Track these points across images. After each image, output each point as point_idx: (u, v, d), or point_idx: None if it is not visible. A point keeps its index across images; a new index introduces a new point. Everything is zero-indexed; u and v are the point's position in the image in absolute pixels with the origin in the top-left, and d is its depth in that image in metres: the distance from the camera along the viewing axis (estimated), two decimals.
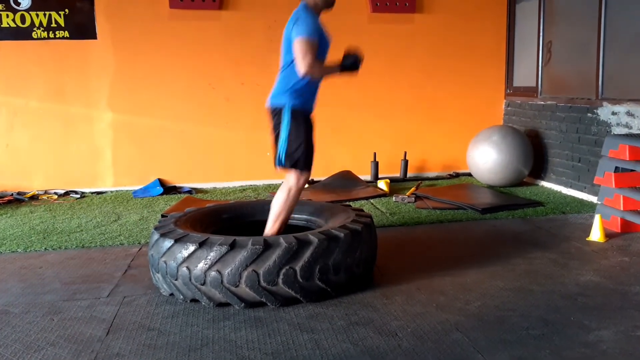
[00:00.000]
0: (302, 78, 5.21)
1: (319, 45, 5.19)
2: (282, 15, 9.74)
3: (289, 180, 5.39)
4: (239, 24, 9.76)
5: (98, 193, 9.52)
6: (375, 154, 10.00)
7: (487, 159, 9.10)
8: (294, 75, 5.25)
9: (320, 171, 9.95)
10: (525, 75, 10.09)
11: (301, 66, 5.09)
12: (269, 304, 4.66)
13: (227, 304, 4.71)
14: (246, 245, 4.57)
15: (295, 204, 5.47)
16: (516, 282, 5.18)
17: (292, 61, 5.25)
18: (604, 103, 7.97)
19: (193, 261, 4.60)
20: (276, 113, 5.36)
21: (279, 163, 5.37)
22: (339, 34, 9.99)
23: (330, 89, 10.07)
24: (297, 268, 4.58)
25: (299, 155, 5.30)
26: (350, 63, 5.37)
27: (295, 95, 5.29)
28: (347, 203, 7.54)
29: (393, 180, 9.83)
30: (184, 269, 4.63)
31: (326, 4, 5.47)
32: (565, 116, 8.81)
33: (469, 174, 10.17)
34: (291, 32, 5.22)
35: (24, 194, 9.28)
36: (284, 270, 4.55)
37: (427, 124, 10.46)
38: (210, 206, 6.05)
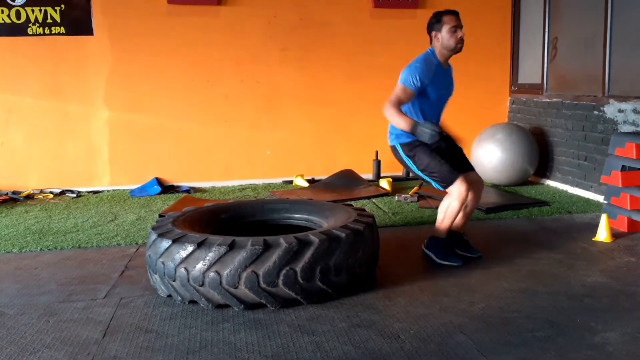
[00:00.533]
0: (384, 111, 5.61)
1: (414, 94, 5.66)
2: (282, 11, 9.85)
3: (450, 195, 5.71)
4: (238, 20, 9.76)
5: (94, 192, 9.52)
6: (377, 152, 10.00)
7: (491, 157, 9.09)
8: (411, 114, 5.77)
9: (321, 170, 9.96)
10: (530, 72, 10.09)
11: (385, 108, 5.55)
12: (268, 305, 4.65)
13: (226, 306, 4.70)
14: (245, 246, 4.56)
15: (458, 212, 5.73)
16: (521, 283, 5.18)
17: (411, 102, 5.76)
18: (611, 100, 7.97)
19: (191, 262, 4.60)
20: (395, 152, 5.97)
21: (439, 187, 5.76)
22: (340, 29, 10.03)
23: (331, 87, 10.10)
24: (298, 269, 4.57)
25: (440, 174, 5.63)
26: (428, 139, 5.33)
27: (400, 133, 5.77)
28: (349, 202, 7.53)
29: (395, 179, 9.83)
30: (182, 269, 4.62)
31: (453, 51, 6.11)
32: (571, 114, 8.81)
33: None
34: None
35: (19, 193, 9.28)
36: (284, 271, 4.54)
37: None
38: (209, 206, 6.04)
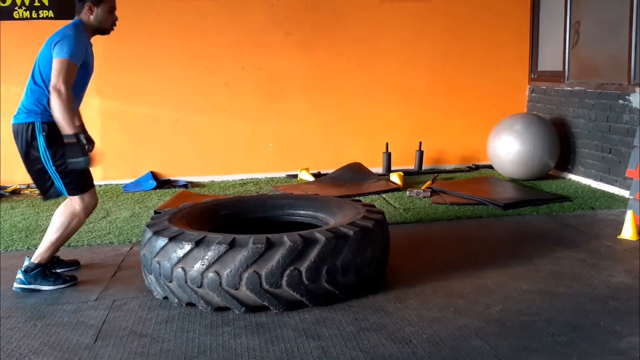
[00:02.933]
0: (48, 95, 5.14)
1: (77, 71, 5.17)
2: None
3: (74, 205, 5.36)
4: (240, 3, 9.76)
5: None
6: (387, 144, 10.00)
7: (509, 149, 9.09)
8: (45, 91, 5.26)
9: (328, 163, 9.96)
10: (551, 59, 10.07)
11: (53, 85, 5.04)
12: (271, 308, 4.65)
13: (226, 308, 4.71)
14: (247, 244, 4.56)
15: (77, 230, 5.48)
16: (541, 284, 5.17)
17: (46, 80, 5.27)
18: (637, 89, 7.95)
19: (189, 261, 4.60)
20: (24, 130, 5.27)
21: (61, 192, 5.34)
22: (347, 13, 10.02)
23: (337, 74, 10.09)
24: (303, 269, 4.57)
25: (74, 179, 5.27)
26: (73, 152, 5.12)
27: (47, 112, 5.23)
28: (357, 198, 7.54)
29: (407, 173, 9.83)
30: (179, 270, 4.63)
31: (98, 30, 5.56)
32: (595, 103, 8.79)
33: (490, 167, 10.15)
34: (54, 48, 5.18)
35: (5, 188, 9.30)
36: (288, 272, 4.54)
37: (444, 112, 10.45)
38: (208, 201, 6.04)
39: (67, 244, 6.55)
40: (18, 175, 9.45)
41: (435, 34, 10.30)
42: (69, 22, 5.44)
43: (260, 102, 9.97)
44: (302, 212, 5.91)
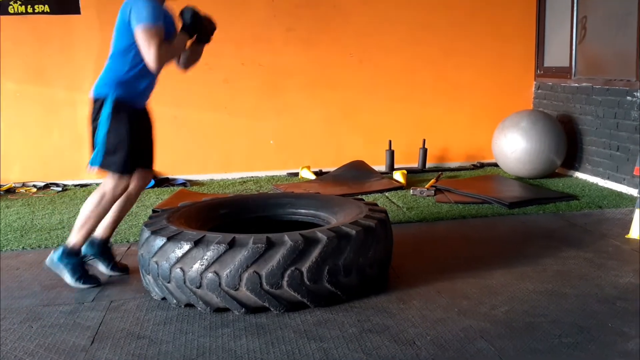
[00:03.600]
0: (153, 71, 5.20)
1: (164, 31, 5.14)
2: None
3: (105, 184, 5.28)
4: None
5: (82, 186, 9.55)
6: (390, 142, 10.00)
7: (515, 147, 9.08)
8: (122, 64, 5.23)
9: (329, 161, 9.96)
10: (557, 54, 10.06)
11: (149, 60, 5.04)
12: (272, 309, 4.65)
13: (225, 309, 4.71)
14: (247, 244, 4.56)
15: (107, 213, 5.37)
16: (547, 284, 5.17)
17: (123, 49, 5.22)
18: None
19: (188, 262, 4.60)
20: (97, 104, 5.25)
21: (92, 162, 5.25)
22: (350, 7, 10.01)
23: (340, 70, 10.09)
24: (304, 269, 4.57)
25: (118, 156, 5.21)
26: (189, 18, 5.34)
27: (121, 87, 5.21)
28: (360, 197, 7.54)
29: (410, 171, 9.83)
30: (178, 270, 4.62)
31: None
32: (602, 100, 8.78)
33: (495, 165, 10.14)
34: (129, 18, 5.14)
35: (0, 186, 9.30)
36: (289, 272, 4.54)
37: (448, 109, 10.44)
38: (207, 200, 6.05)
39: (63, 243, 6.56)
40: (13, 174, 9.48)
41: (439, 28, 10.29)
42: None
43: (260, 99, 9.97)
44: (303, 211, 5.91)
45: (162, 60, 5.09)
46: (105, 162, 5.19)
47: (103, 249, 5.60)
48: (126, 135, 5.18)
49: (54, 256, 5.30)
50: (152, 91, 5.57)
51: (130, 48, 5.18)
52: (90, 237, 5.42)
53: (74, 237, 5.28)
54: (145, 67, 5.18)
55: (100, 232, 5.51)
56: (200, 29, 5.47)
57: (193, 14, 5.34)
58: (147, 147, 5.61)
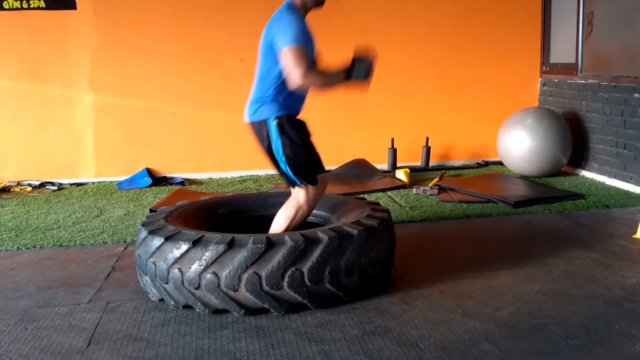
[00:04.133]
0: (297, 90, 5.18)
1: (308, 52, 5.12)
2: None
3: (300, 197, 5.31)
4: None
5: (78, 184, 9.54)
6: (393, 140, 9.99)
7: (520, 145, 9.08)
8: (273, 83, 5.25)
9: (331, 160, 9.90)
10: (563, 50, 10.05)
11: (295, 79, 4.98)
12: (272, 310, 4.65)
13: (224, 311, 4.70)
14: (246, 244, 4.55)
15: (301, 222, 5.38)
16: (553, 285, 5.17)
17: (270, 70, 5.29)
18: None
19: (186, 262, 4.59)
20: (258, 129, 5.34)
21: (292, 185, 5.34)
22: (352, 5, 10.00)
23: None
24: (305, 270, 4.56)
25: (303, 169, 5.27)
26: (363, 73, 5.22)
27: (277, 105, 5.26)
28: (362, 196, 7.53)
29: (413, 170, 9.81)
30: (176, 271, 4.62)
31: (316, 3, 5.57)
32: (609, 97, 8.77)
33: (500, 163, 10.16)
34: (273, 38, 5.24)
35: None
36: (289, 272, 4.54)
37: (452, 106, 10.44)
38: (206, 199, 6.05)
39: (58, 243, 6.56)
40: (8, 172, 9.47)
41: (442, 24, 10.28)
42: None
43: None
44: None
45: (306, 83, 5.04)
46: (298, 180, 5.27)
47: None
48: (301, 147, 5.28)
49: None
50: (306, 99, 5.62)
51: (276, 68, 5.25)
52: None
53: None
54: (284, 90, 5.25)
55: None
56: (364, 80, 5.31)
57: (368, 70, 5.24)
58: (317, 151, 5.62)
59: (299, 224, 5.32)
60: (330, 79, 5.23)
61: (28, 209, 8.06)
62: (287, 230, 5.22)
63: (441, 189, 8.51)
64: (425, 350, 4.09)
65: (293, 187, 5.34)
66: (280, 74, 5.17)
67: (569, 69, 9.78)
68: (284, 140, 5.20)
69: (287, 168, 5.23)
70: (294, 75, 4.94)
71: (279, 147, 5.21)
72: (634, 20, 8.30)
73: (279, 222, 5.31)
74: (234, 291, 4.54)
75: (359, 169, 9.56)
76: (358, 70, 5.19)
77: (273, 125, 5.19)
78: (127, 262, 5.92)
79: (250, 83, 9.96)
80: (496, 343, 4.16)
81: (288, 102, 5.28)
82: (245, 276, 4.50)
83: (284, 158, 5.22)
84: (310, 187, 5.28)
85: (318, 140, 10.04)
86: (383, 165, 9.97)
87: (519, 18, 10.45)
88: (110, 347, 4.25)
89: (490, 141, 10.07)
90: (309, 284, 4.59)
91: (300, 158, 5.24)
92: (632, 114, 8.28)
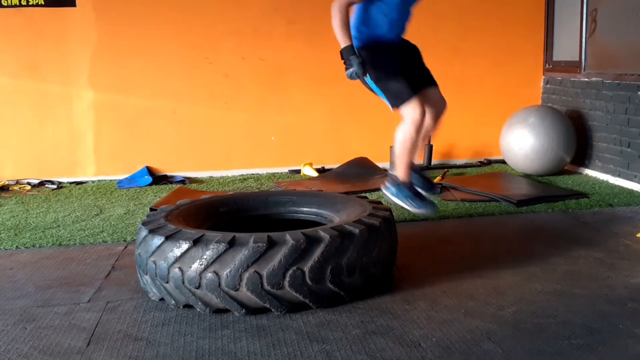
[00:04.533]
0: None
1: None
2: None
3: (404, 119, 5.53)
4: None
5: (77, 183, 9.54)
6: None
7: (523, 144, 9.07)
8: (357, 13, 5.56)
9: (332, 158, 9.95)
10: (566, 48, 10.04)
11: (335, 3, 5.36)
12: (273, 310, 4.64)
13: (225, 310, 4.70)
14: (247, 243, 4.55)
15: (417, 142, 5.62)
16: (556, 284, 5.16)
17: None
18: None
19: (186, 261, 4.59)
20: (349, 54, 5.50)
21: (392, 106, 5.60)
22: None
23: (341, 63, 10.06)
24: (306, 269, 4.56)
25: (391, 90, 5.49)
26: (346, 61, 5.53)
27: (359, 31, 5.58)
28: (363, 194, 7.53)
29: None
30: (176, 270, 4.61)
31: None
32: (613, 95, 8.77)
33: (503, 161, 10.15)
34: None
35: None
36: (290, 272, 4.53)
37: (454, 104, 10.33)
38: (206, 198, 6.04)
39: (58, 242, 6.56)
40: (7, 171, 9.47)
41: (444, 21, 10.27)
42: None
43: (261, 94, 9.96)
44: (305, 209, 5.91)
45: (335, 15, 5.40)
46: (391, 102, 5.55)
47: (417, 176, 5.97)
48: (383, 68, 5.52)
49: (390, 186, 5.76)
50: (405, 24, 5.93)
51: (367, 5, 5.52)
52: (411, 165, 5.76)
53: (398, 173, 5.72)
54: (383, 6, 5.53)
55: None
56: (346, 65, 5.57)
57: (350, 76, 5.54)
58: (418, 68, 6.02)
59: (413, 146, 5.60)
60: (340, 34, 5.47)
61: (27, 208, 8.07)
62: (402, 154, 5.63)
63: (443, 188, 8.50)
64: (427, 350, 4.09)
65: (396, 109, 5.58)
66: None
67: (573, 66, 9.77)
68: (370, 69, 5.54)
69: (384, 96, 5.60)
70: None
71: (367, 77, 5.59)
72: (638, 17, 8.29)
73: (396, 149, 5.66)
74: (235, 290, 4.54)
75: (361, 168, 9.57)
76: (347, 63, 5.50)
77: (357, 56, 5.46)
78: (127, 261, 5.93)
79: (252, 82, 10.04)
80: (499, 343, 4.16)
81: (370, 28, 5.61)
82: (246, 275, 4.50)
83: (377, 87, 5.59)
84: (406, 107, 5.49)
85: (319, 138, 10.06)
86: (385, 164, 9.95)
87: (522, 15, 10.45)
88: (110, 347, 4.25)
89: (493, 139, 10.06)
90: (310, 283, 4.59)
91: (385, 80, 5.54)
92: (636, 112, 8.27)
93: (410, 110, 5.45)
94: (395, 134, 5.58)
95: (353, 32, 5.49)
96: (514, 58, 10.48)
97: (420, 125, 5.50)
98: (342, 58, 5.49)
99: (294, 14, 9.89)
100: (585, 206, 7.54)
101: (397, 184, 5.72)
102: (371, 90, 5.73)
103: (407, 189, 5.70)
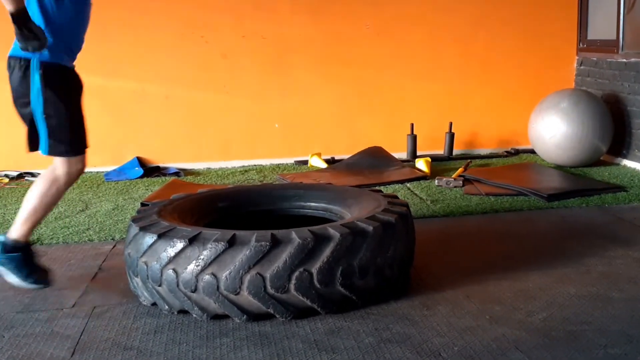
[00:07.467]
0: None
1: None
2: None
3: (57, 168, 5.15)
4: None
5: None
6: (412, 125, 10.00)
7: (554, 131, 9.07)
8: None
9: (343, 148, 9.95)
10: (602, 26, 10.03)
11: None
12: (277, 316, 4.65)
13: (224, 316, 4.71)
14: (249, 242, 4.55)
15: (58, 200, 5.27)
16: (591, 287, 5.16)
17: None
18: None
19: (181, 262, 4.59)
20: (17, 68, 5.01)
21: (42, 148, 5.13)
22: None
23: (354, 44, 10.07)
24: (314, 270, 4.56)
25: (66, 136, 5.11)
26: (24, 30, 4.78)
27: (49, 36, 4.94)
28: (377, 188, 7.53)
29: (435, 159, 9.81)
30: (170, 271, 4.62)
31: None
32: None
33: (532, 151, 10.15)
34: None
35: None
36: (296, 273, 4.53)
37: (478, 88, 10.43)
38: (203, 192, 6.06)
39: (39, 241, 6.58)
40: None
41: None
42: None
43: (264, 77, 9.97)
44: (313, 204, 5.91)
45: None
46: (56, 146, 5.08)
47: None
48: (67, 106, 5.13)
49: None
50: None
51: None
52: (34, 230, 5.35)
53: (18, 230, 5.14)
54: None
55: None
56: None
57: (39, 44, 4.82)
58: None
59: (54, 203, 5.19)
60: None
61: (5, 203, 8.10)
62: (37, 209, 5.10)
63: (466, 180, 8.50)
64: None
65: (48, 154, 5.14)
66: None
67: (609, 46, 9.75)
68: (47, 95, 4.98)
69: (45, 131, 5.04)
70: None
71: (41, 102, 4.99)
72: None
73: (28, 198, 5.16)
74: (235, 294, 4.54)
75: (375, 158, 9.57)
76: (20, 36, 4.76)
77: (36, 69, 4.93)
78: (116, 262, 5.94)
79: (253, 63, 10.02)
80: (528, 352, 4.16)
81: (58, 40, 5.05)
82: (247, 278, 4.50)
83: (43, 118, 5.01)
84: (69, 159, 5.13)
85: (328, 126, 10.04)
86: (401, 154, 9.97)
87: None
88: (97, 357, 4.26)
89: (521, 127, 10.05)
90: (318, 286, 4.59)
91: (64, 121, 5.08)
92: None
93: (76, 167, 5.18)
94: (37, 183, 5.17)
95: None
96: (545, 36, 10.46)
97: (71, 184, 5.25)
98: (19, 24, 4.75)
99: None
100: (623, 200, 7.54)
101: (15, 248, 5.17)
102: (20, 108, 5.16)
103: (28, 258, 5.24)
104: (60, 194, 5.20)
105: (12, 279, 5.16)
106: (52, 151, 5.07)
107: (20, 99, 5.06)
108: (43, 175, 5.21)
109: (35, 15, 4.85)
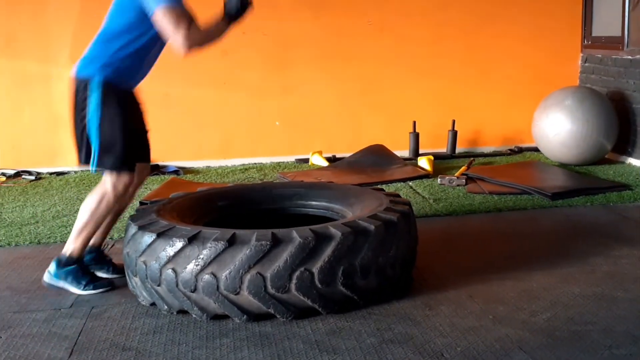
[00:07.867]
0: (185, 55, 5.22)
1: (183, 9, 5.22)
2: None
3: (105, 183, 5.27)
4: None
5: (58, 174, 9.56)
6: (415, 123, 9.99)
7: (558, 129, 9.07)
8: (114, 43, 5.26)
9: (344, 146, 9.95)
10: (607, 22, 10.02)
11: (178, 43, 5.08)
12: (278, 316, 4.65)
13: (224, 317, 4.71)
14: (249, 241, 4.55)
15: (108, 215, 5.40)
16: (596, 287, 5.16)
17: (119, 30, 5.27)
18: None
19: (181, 261, 4.60)
20: (81, 87, 5.26)
21: (92, 163, 5.26)
22: None
23: (357, 40, 10.07)
24: (315, 270, 4.56)
25: (116, 150, 5.22)
26: (236, 6, 5.38)
27: (111, 67, 5.23)
28: (379, 186, 7.53)
29: (438, 157, 9.81)
30: (169, 271, 4.62)
31: None
32: None
33: (536, 149, 10.14)
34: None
35: None
36: (297, 273, 4.54)
37: (481, 85, 10.42)
38: (203, 191, 6.06)
39: (36, 240, 6.58)
40: None
41: None
42: None
43: (264, 73, 9.97)
44: (314, 203, 5.91)
45: (193, 45, 5.12)
46: (104, 160, 5.23)
47: (98, 256, 5.68)
48: (121, 125, 5.25)
49: (50, 270, 5.29)
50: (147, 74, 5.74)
51: (131, 28, 5.25)
52: (89, 243, 5.42)
53: (72, 245, 5.28)
54: (142, 48, 5.33)
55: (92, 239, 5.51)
56: (241, 14, 5.47)
57: (242, 4, 5.37)
58: (144, 136, 5.76)
59: (103, 218, 5.33)
60: (214, 31, 5.40)
61: (2, 202, 8.09)
62: (88, 223, 5.25)
63: (469, 179, 8.50)
64: None
65: (96, 168, 5.30)
66: (130, 40, 5.27)
67: (614, 42, 9.75)
68: (104, 111, 5.18)
69: (97, 145, 5.21)
70: (177, 39, 5.05)
71: (97, 117, 5.18)
72: None
73: (79, 214, 5.31)
74: (235, 294, 4.54)
75: (377, 156, 9.57)
76: (229, 6, 5.39)
77: (97, 87, 5.18)
78: (115, 262, 5.93)
79: (254, 59, 10.02)
80: (531, 353, 4.16)
81: (123, 68, 5.33)
82: (247, 277, 4.50)
83: (98, 132, 5.19)
84: (117, 174, 5.25)
85: (330, 124, 10.05)
86: (404, 152, 9.97)
87: None
88: (95, 358, 4.26)
89: (525, 125, 10.04)
90: (319, 286, 4.59)
91: (116, 138, 5.22)
92: None
93: (117, 180, 5.26)
94: (89, 199, 5.32)
95: (109, 66, 5.26)
96: (549, 33, 10.46)
97: (121, 198, 5.38)
98: (234, 17, 5.53)
99: None
100: (628, 199, 7.54)
101: (69, 262, 5.33)
102: (75, 123, 5.36)
103: (82, 269, 5.40)
104: (110, 208, 5.33)
105: (74, 290, 5.27)
106: (101, 164, 5.22)
107: (79, 115, 5.25)
108: (93, 190, 5.34)
109: (123, 45, 5.25)
